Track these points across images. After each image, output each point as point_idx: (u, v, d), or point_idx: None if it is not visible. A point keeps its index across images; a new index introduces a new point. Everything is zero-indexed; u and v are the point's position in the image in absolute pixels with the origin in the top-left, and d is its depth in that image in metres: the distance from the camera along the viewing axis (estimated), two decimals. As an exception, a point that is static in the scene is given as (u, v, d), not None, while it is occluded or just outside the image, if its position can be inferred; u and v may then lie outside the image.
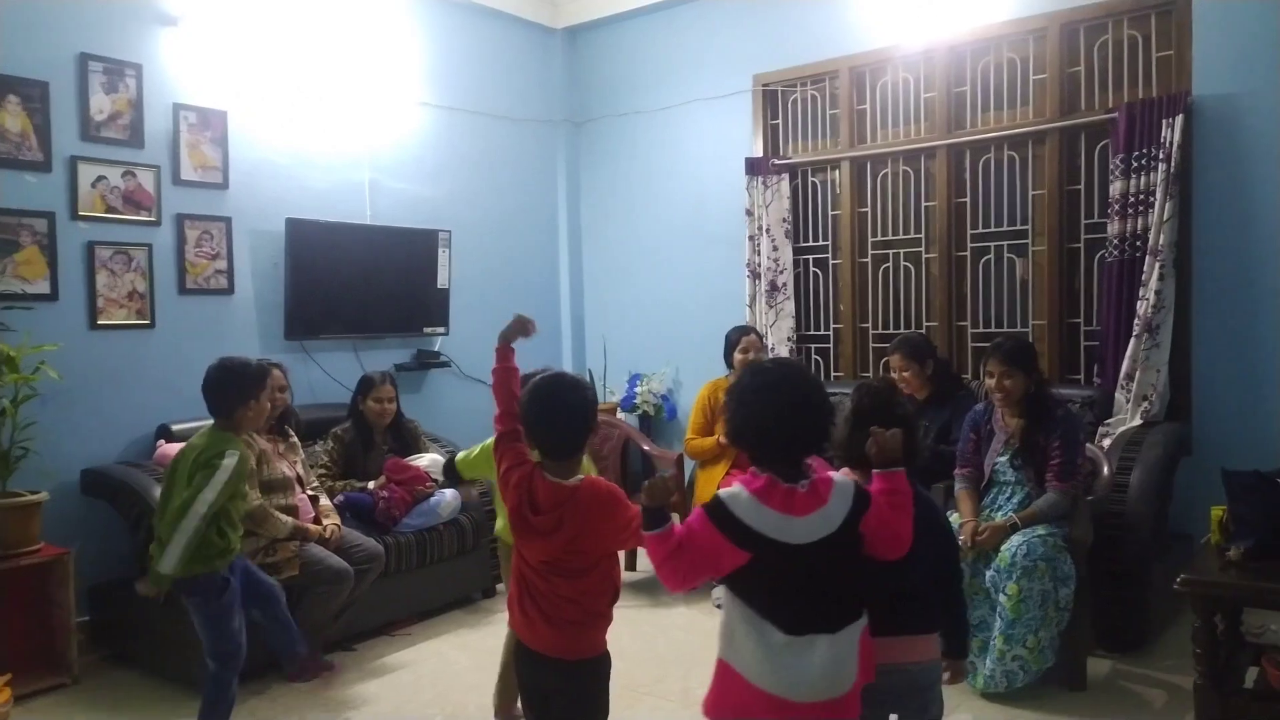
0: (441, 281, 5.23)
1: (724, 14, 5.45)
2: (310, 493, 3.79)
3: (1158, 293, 4.00)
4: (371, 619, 3.96)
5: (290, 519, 3.52)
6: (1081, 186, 4.45)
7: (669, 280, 5.79)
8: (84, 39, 3.93)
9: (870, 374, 5.13)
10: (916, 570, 2.06)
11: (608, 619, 2.19)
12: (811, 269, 5.34)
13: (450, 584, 4.31)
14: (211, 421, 2.94)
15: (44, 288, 3.81)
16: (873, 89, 5.05)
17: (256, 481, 3.41)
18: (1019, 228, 4.63)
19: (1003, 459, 3.43)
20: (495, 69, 5.73)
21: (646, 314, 5.91)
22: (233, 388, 2.89)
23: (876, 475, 1.98)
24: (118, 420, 4.01)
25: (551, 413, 2.15)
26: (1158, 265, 4.00)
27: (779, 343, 5.20)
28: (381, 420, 4.26)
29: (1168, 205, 3.97)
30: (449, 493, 4.21)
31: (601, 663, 2.19)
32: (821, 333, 5.34)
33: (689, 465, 4.78)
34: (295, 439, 3.84)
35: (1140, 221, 4.08)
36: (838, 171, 5.18)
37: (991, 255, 4.72)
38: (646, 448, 5.18)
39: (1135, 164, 4.08)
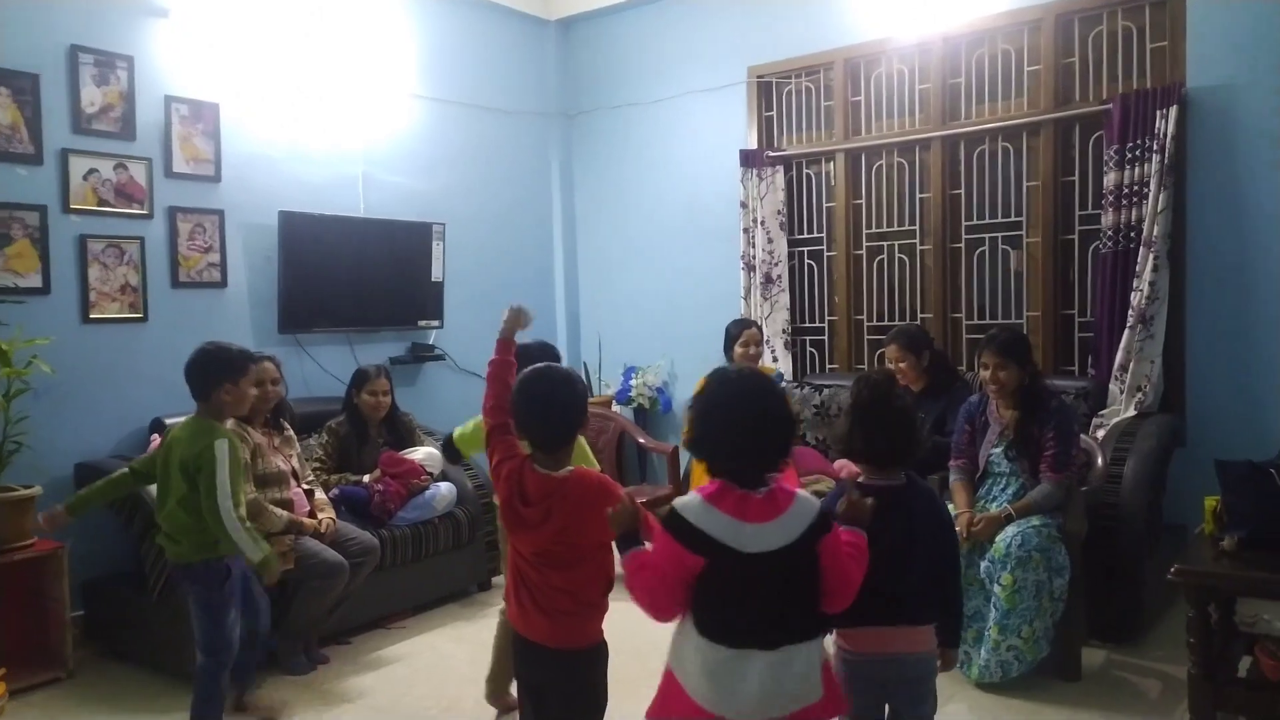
0: (436, 274, 5.22)
1: (718, 5, 5.44)
2: (305, 486, 3.78)
3: (1152, 284, 4.01)
4: (366, 612, 3.96)
5: (285, 513, 3.52)
6: (1076, 178, 4.46)
7: (664, 273, 5.79)
8: (74, 31, 3.90)
9: (865, 366, 5.14)
10: (915, 568, 2.06)
11: (602, 609, 2.19)
12: (806, 261, 5.34)
13: (445, 577, 4.30)
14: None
15: (36, 281, 3.79)
16: (867, 81, 5.04)
17: (251, 475, 3.40)
18: (1013, 219, 4.64)
19: (997, 450, 3.44)
20: (489, 61, 5.71)
21: (641, 307, 5.90)
22: (212, 369, 2.88)
23: (843, 530, 1.95)
24: (111, 414, 4.00)
25: (541, 405, 2.15)
26: (1152, 256, 4.00)
27: (774, 335, 5.21)
28: (376, 414, 4.25)
29: (1162, 196, 3.98)
30: (444, 486, 4.21)
31: (597, 653, 2.20)
32: (816, 325, 5.34)
33: (684, 458, 4.78)
34: (290, 433, 3.83)
35: (1134, 213, 4.08)
36: (832, 163, 5.18)
37: (986, 247, 4.72)
38: (642, 440, 5.19)
39: (1129, 155, 4.08)
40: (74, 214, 3.90)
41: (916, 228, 4.95)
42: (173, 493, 2.84)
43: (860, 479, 2.14)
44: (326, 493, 3.90)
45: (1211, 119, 4.02)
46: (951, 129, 4.74)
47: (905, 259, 5.00)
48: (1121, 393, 4.10)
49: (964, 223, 4.78)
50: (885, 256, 5.07)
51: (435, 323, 5.27)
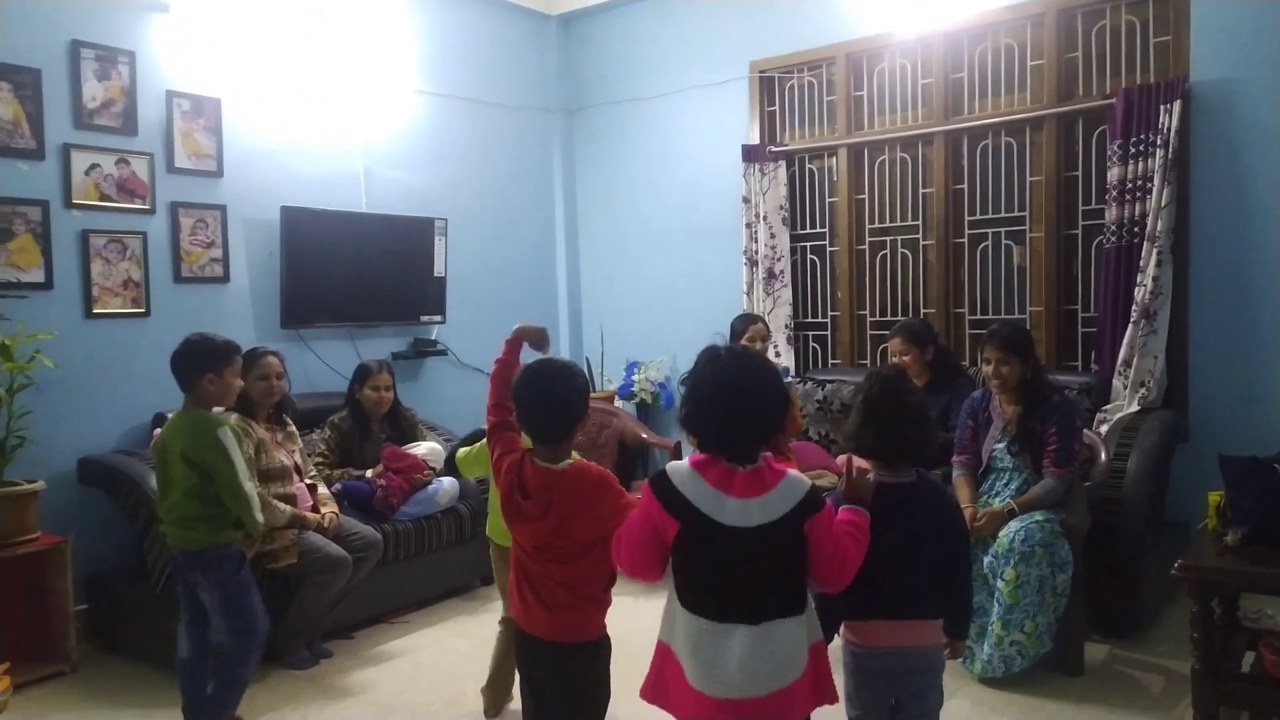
0: (438, 270, 5.21)
1: (720, 0, 5.43)
2: (308, 481, 3.79)
3: (1155, 279, 4.00)
4: (369, 607, 3.96)
5: (288, 507, 3.52)
6: (1079, 173, 4.45)
7: (666, 268, 5.78)
8: (76, 26, 3.90)
9: (868, 361, 5.14)
10: (920, 565, 2.06)
11: (603, 604, 2.20)
12: (809, 256, 5.33)
13: (448, 572, 4.31)
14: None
15: (38, 276, 3.79)
16: (870, 75, 5.03)
17: (255, 470, 3.40)
18: (1016, 214, 4.63)
19: (1000, 445, 3.44)
20: (490, 56, 5.70)
21: (643, 302, 5.90)
22: (196, 360, 2.89)
23: (843, 508, 1.96)
24: (114, 409, 4.00)
25: (542, 397, 2.16)
26: (1155, 251, 3.99)
27: (777, 330, 5.20)
28: (379, 409, 4.25)
29: (1165, 191, 3.97)
30: (447, 481, 4.21)
31: (598, 648, 2.20)
32: (819, 320, 5.34)
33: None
34: (293, 428, 3.83)
35: (1138, 207, 4.07)
36: (835, 158, 5.17)
37: (989, 242, 4.72)
38: (644, 436, 5.18)
39: (1133, 150, 4.07)
40: (76, 209, 3.90)
41: (919, 223, 4.94)
42: (177, 485, 2.84)
43: (870, 476, 2.13)
44: (329, 488, 3.91)
45: (1215, 114, 4.01)
46: (954, 124, 4.73)
47: (908, 254, 4.99)
48: (1124, 388, 4.09)
49: (967, 218, 4.77)
50: (888, 252, 5.07)
51: (437, 318, 5.27)
